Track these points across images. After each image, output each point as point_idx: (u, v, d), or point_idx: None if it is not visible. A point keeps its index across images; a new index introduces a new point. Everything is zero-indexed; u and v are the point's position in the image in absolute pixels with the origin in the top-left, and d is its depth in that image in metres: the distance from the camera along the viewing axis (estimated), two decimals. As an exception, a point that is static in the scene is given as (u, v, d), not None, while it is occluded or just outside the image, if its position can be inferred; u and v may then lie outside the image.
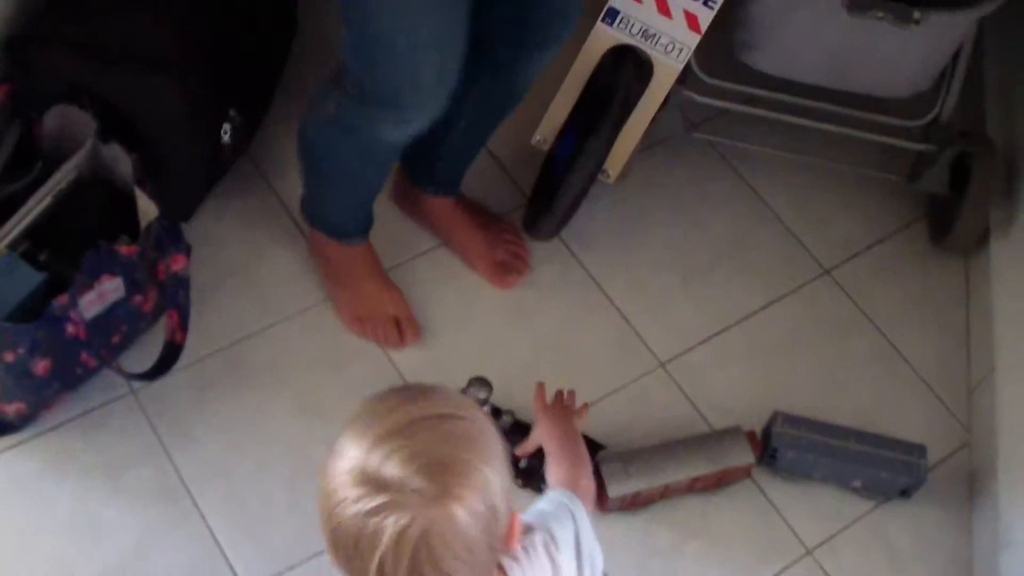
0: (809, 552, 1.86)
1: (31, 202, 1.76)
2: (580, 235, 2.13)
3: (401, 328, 1.98)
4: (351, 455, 1.06)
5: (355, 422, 1.09)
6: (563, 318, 2.05)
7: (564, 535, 1.31)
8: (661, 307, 2.08)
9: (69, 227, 1.77)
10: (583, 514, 1.36)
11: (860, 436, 1.90)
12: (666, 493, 1.85)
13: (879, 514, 1.90)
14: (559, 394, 1.68)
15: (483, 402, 1.77)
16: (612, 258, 2.12)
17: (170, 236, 1.75)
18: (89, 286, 1.67)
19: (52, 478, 1.82)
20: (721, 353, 2.04)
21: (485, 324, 2.03)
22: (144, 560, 1.75)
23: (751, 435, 1.88)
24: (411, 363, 1.97)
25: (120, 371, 1.79)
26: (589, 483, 1.52)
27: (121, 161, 1.78)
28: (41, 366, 1.69)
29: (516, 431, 1.79)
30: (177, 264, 1.77)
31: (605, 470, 1.81)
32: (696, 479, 1.84)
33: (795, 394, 1.99)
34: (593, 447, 1.83)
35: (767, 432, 1.89)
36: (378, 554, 1.03)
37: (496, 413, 1.83)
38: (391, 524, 1.02)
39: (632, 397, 1.97)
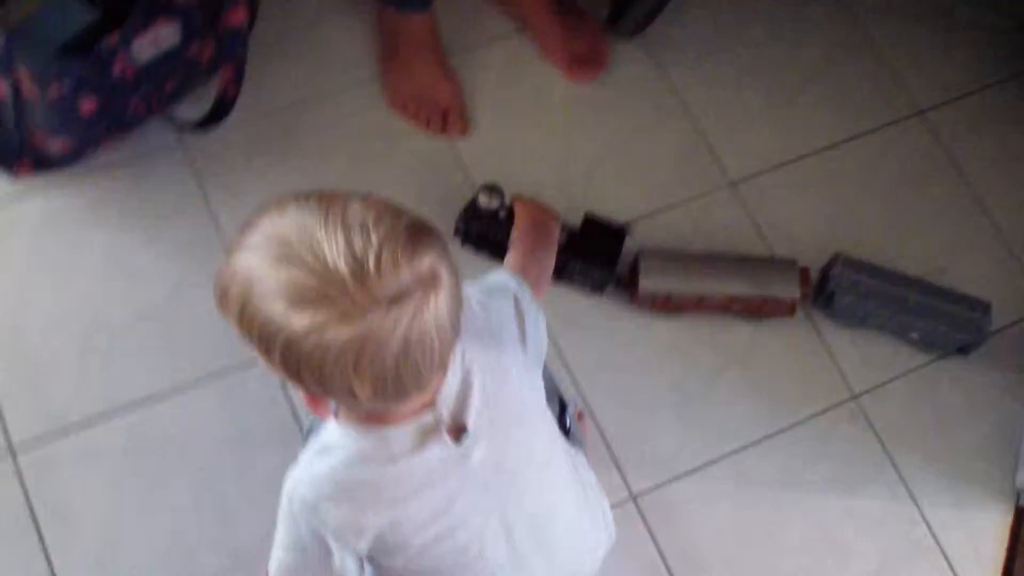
0: (854, 397, 1.82)
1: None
2: (665, 39, 2.03)
3: (448, 120, 1.91)
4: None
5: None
6: (635, 122, 1.98)
7: (500, 305, 1.28)
8: (739, 125, 1.99)
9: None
10: (529, 298, 1.32)
11: (923, 287, 1.83)
12: (701, 305, 1.81)
13: (933, 370, 1.85)
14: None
15: (496, 211, 1.72)
16: (695, 68, 2.03)
17: (232, -16, 1.69)
18: (144, 28, 1.61)
19: (92, 219, 1.81)
20: (794, 182, 1.96)
21: (553, 119, 1.96)
22: (174, 310, 1.75)
23: (805, 272, 1.81)
24: (471, 149, 1.92)
25: (170, 119, 1.75)
26: (541, 274, 1.47)
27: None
28: (87, 105, 1.65)
29: None
30: (237, 16, 1.71)
31: (642, 263, 1.78)
32: (734, 299, 1.79)
33: (864, 235, 1.92)
34: (616, 233, 1.79)
35: (825, 273, 1.83)
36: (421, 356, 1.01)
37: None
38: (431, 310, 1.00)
39: (694, 213, 1.91)
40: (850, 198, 1.96)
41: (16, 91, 1.63)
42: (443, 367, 1.07)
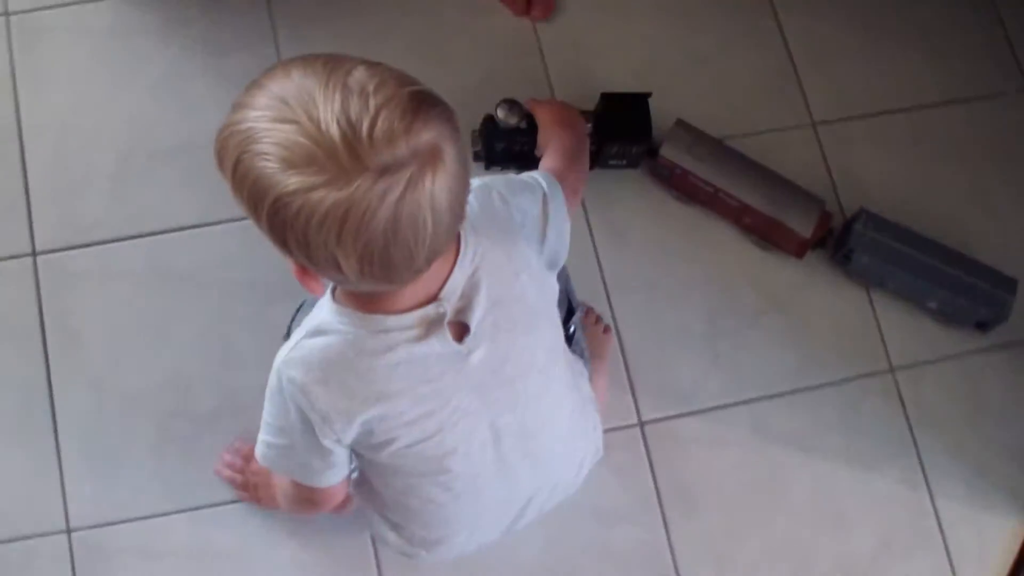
0: (892, 370, 1.76)
1: None
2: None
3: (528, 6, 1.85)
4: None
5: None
6: (726, 39, 1.91)
7: (524, 203, 1.25)
8: (834, 66, 1.91)
9: None
10: (560, 202, 1.29)
11: (948, 255, 1.76)
12: (714, 201, 1.77)
13: (979, 361, 1.78)
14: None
15: (515, 128, 1.66)
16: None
17: None
18: None
19: (159, 37, 1.81)
20: (878, 135, 1.88)
21: (642, 18, 1.90)
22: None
23: (826, 216, 1.76)
24: (551, 35, 1.87)
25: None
26: (578, 176, 1.44)
27: None
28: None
29: None
30: None
31: (671, 132, 1.74)
32: (747, 208, 1.74)
33: (935, 204, 1.84)
34: (638, 100, 1.73)
35: (847, 228, 1.76)
36: (423, 229, 0.99)
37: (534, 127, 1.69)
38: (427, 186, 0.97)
39: (769, 145, 1.84)
40: (931, 163, 1.88)
41: None
42: (437, 253, 1.04)
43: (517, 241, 1.22)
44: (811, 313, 1.78)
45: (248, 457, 1.55)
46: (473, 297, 1.14)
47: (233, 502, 1.58)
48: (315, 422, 1.14)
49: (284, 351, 1.16)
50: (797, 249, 1.76)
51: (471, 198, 1.11)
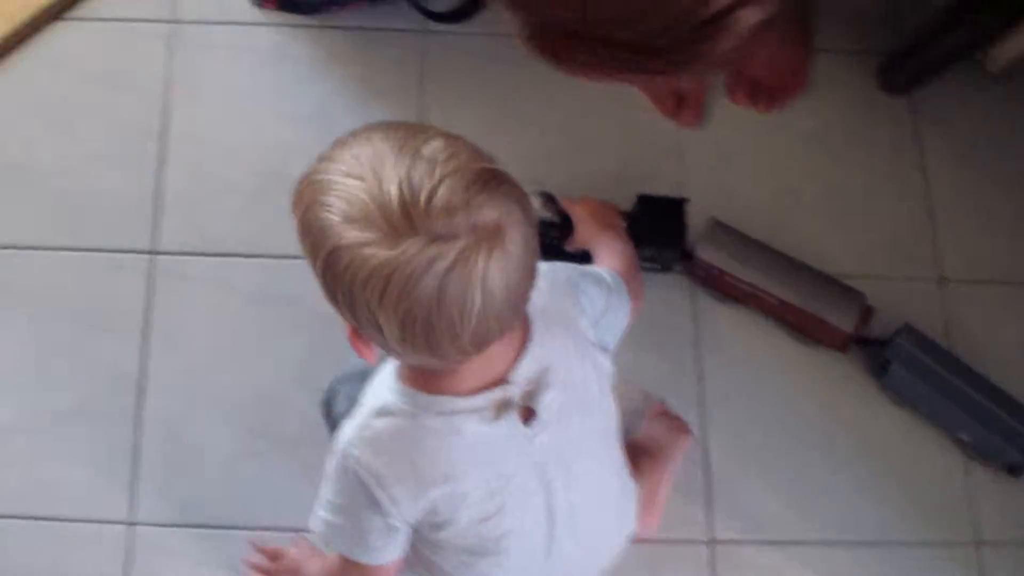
0: (978, 543, 1.72)
1: None
2: (934, 110, 1.96)
3: (683, 103, 1.89)
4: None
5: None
6: (865, 180, 1.92)
7: (592, 291, 1.28)
8: (976, 226, 1.91)
9: None
10: (624, 300, 1.33)
11: (990, 390, 1.73)
12: (753, 299, 1.78)
13: None
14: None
15: (549, 222, 1.67)
16: (952, 148, 1.95)
17: None
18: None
19: (310, 71, 1.90)
20: (1010, 304, 1.86)
21: (787, 145, 1.92)
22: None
23: (868, 310, 1.77)
24: (694, 142, 1.90)
25: (416, 2, 1.81)
26: (639, 284, 1.47)
27: None
28: (345, -42, 1.73)
29: None
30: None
31: (707, 230, 1.76)
32: (786, 304, 1.76)
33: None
34: (674, 206, 1.77)
35: (888, 340, 1.76)
36: (472, 302, 0.99)
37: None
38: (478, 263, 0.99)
39: (887, 291, 1.83)
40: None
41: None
42: (485, 338, 1.05)
43: (581, 327, 1.25)
44: (908, 465, 1.76)
45: (274, 555, 1.56)
46: (541, 382, 1.17)
47: (289, 529, 1.61)
48: (382, 502, 1.17)
49: (349, 431, 1.19)
50: (840, 344, 1.77)
51: (541, 282, 1.13)
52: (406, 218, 0.97)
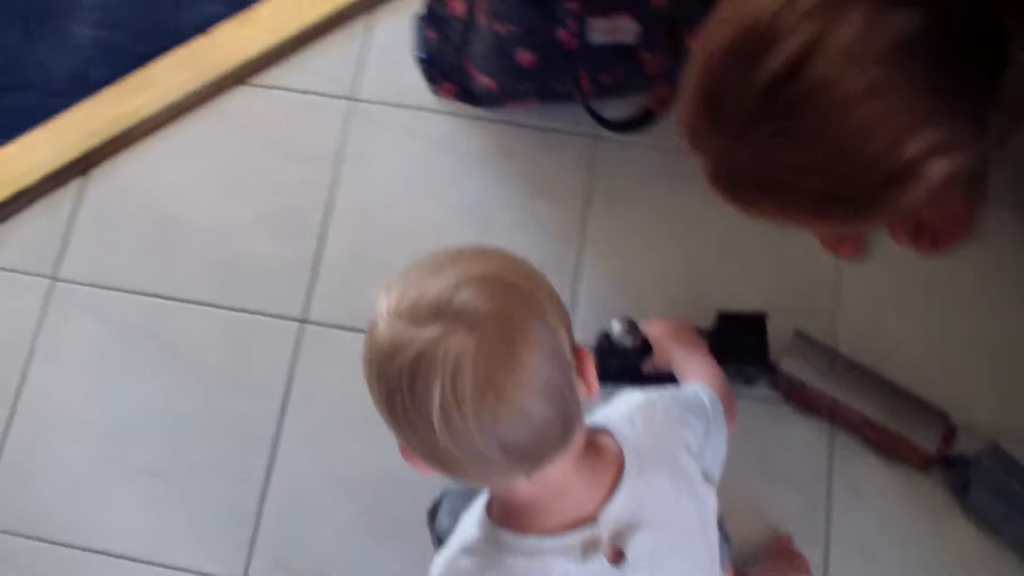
0: None
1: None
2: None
3: (843, 237, 1.89)
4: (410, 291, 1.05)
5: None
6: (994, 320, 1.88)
7: (691, 419, 1.27)
8: None
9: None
10: (720, 423, 1.32)
11: None
12: (834, 414, 1.77)
13: None
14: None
15: (630, 348, 1.67)
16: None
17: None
18: (606, 12, 1.72)
19: (478, 162, 1.96)
20: None
21: (951, 291, 1.88)
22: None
23: (951, 430, 1.73)
24: (851, 276, 1.88)
25: (590, 108, 1.85)
26: (732, 404, 1.46)
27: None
28: (524, 57, 1.79)
29: None
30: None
31: (790, 345, 1.77)
32: (867, 422, 1.74)
33: None
34: (755, 322, 1.76)
35: (969, 459, 1.72)
36: (436, 389, 1.00)
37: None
38: (452, 350, 1.00)
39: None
40: None
41: (471, 14, 1.80)
42: (513, 441, 1.04)
43: (680, 460, 1.25)
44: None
45: None
46: (633, 522, 1.16)
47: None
48: None
49: (440, 566, 1.20)
50: (921, 464, 1.75)
51: (637, 416, 1.15)
52: (414, 313, 1.03)
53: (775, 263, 1.88)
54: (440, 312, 1.01)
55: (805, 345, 1.79)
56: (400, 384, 1.02)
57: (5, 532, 1.77)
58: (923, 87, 1.02)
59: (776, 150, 1.07)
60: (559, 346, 1.06)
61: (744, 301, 1.81)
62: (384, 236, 1.90)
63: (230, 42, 2.03)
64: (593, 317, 1.79)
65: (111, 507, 1.77)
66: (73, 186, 1.95)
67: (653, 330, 1.67)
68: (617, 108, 1.88)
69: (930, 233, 1.88)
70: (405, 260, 1.82)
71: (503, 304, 1.03)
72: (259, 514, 1.75)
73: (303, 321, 1.85)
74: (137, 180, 1.96)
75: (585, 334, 1.72)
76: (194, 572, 1.73)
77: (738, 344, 1.75)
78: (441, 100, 1.99)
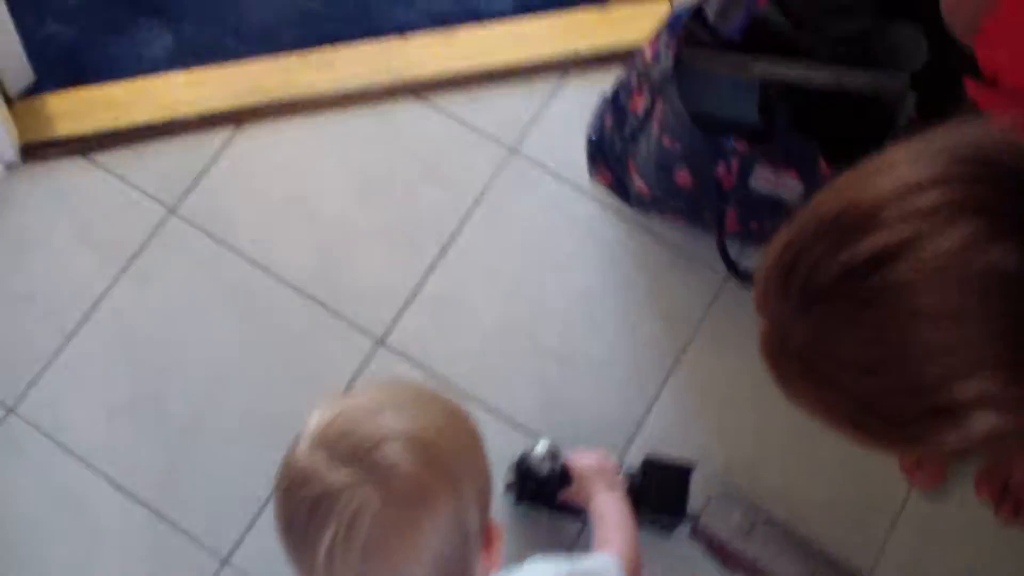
0: None
1: (820, 69, 1.82)
2: None
3: (922, 463, 1.84)
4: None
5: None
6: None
7: None
8: None
9: (826, 104, 1.82)
10: None
11: None
12: (755, 573, 1.76)
13: None
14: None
15: (547, 476, 1.70)
16: None
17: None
18: (776, 165, 1.73)
19: (607, 256, 1.98)
20: None
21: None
22: (581, 375, 1.89)
23: None
24: (919, 503, 1.85)
25: (724, 248, 1.85)
26: (639, 567, 1.50)
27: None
28: (682, 176, 1.81)
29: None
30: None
31: (713, 501, 1.78)
32: None
33: None
34: (682, 470, 1.76)
35: None
36: (330, 531, 1.04)
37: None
38: (356, 500, 1.04)
39: None
40: None
41: (647, 117, 1.82)
42: None
43: None
44: None
45: None
46: None
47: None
48: None
49: None
50: None
51: None
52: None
53: (840, 466, 1.85)
54: (359, 457, 1.06)
55: (728, 503, 1.80)
56: (299, 514, 1.06)
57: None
58: (997, 330, 0.97)
59: (831, 334, 1.03)
60: (466, 522, 1.08)
61: (801, 493, 1.79)
62: (488, 291, 1.93)
63: (422, 54, 2.08)
64: (652, 444, 1.83)
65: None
66: (223, 133, 2.02)
67: (578, 462, 1.69)
68: (752, 258, 1.89)
69: (1016, 499, 1.83)
70: (496, 321, 1.89)
71: (422, 471, 1.06)
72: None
73: (379, 343, 1.88)
74: (282, 149, 2.02)
75: (638, 459, 1.76)
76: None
77: (659, 493, 1.76)
78: (595, 184, 2.01)
